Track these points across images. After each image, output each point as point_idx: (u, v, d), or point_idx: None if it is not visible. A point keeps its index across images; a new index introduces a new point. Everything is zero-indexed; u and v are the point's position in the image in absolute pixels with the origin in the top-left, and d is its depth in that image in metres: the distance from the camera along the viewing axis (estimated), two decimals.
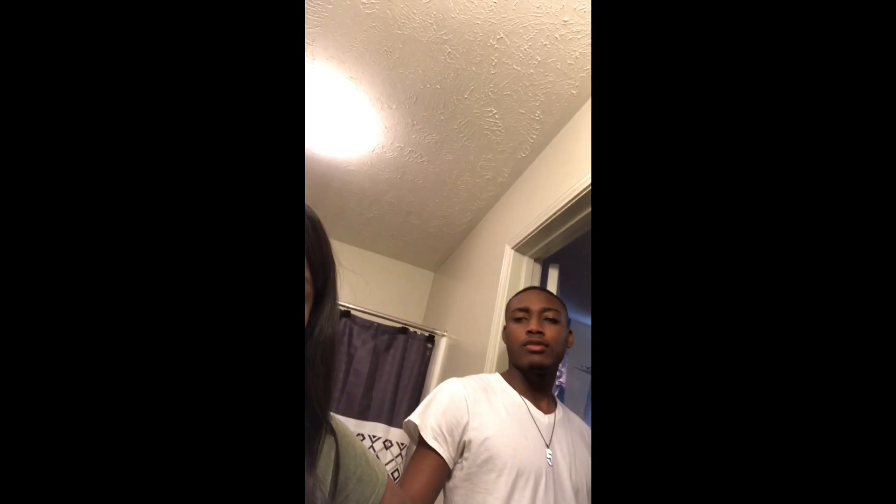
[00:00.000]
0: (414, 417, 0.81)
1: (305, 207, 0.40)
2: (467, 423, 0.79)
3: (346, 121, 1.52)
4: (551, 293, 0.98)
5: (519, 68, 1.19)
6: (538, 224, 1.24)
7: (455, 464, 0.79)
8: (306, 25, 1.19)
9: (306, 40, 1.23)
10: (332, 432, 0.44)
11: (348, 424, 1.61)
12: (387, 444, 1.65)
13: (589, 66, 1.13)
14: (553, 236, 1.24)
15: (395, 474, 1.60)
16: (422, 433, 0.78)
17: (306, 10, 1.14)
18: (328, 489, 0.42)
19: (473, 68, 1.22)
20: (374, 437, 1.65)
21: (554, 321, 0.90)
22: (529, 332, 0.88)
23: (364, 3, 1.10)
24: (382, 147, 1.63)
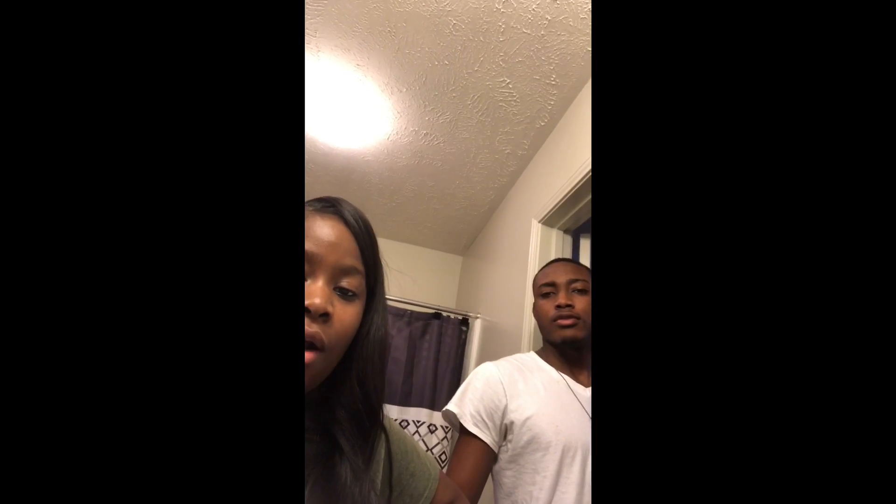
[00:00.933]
0: (452, 406, 0.80)
1: (356, 208, 0.42)
2: (506, 406, 0.78)
3: (357, 110, 1.50)
4: (577, 263, 0.94)
5: (529, 31, 1.12)
6: (564, 194, 1.18)
7: (499, 447, 0.78)
8: (307, 16, 1.16)
9: (309, 32, 1.21)
10: (384, 428, 0.44)
11: (392, 411, 1.64)
12: (431, 428, 1.67)
13: None
14: (581, 204, 1.19)
15: (443, 457, 1.62)
16: (462, 421, 0.77)
17: (306, 0, 1.11)
18: (380, 486, 0.42)
19: (481, 38, 1.16)
20: (418, 422, 1.67)
21: (583, 291, 0.86)
22: (558, 306, 0.85)
23: None
24: (397, 133, 1.60)
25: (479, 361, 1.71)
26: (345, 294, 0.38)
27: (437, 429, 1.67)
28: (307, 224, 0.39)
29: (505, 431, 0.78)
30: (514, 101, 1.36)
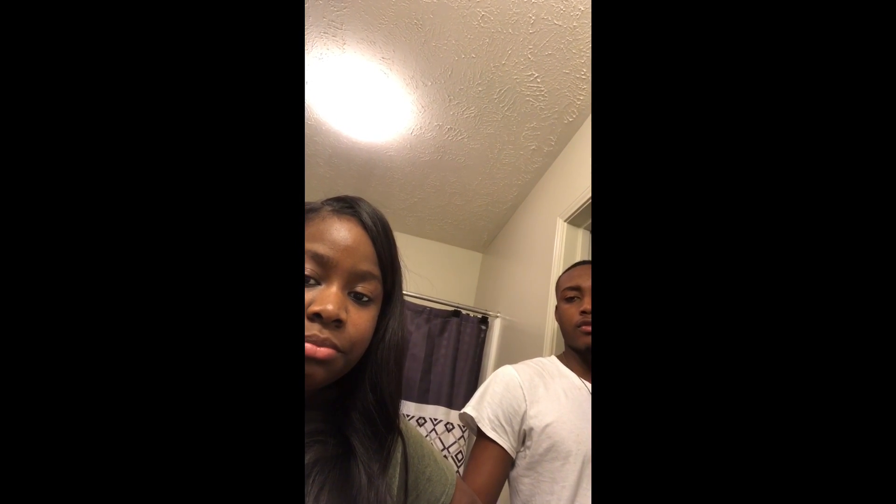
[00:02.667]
0: (469, 409, 0.78)
1: (374, 208, 0.41)
2: (525, 412, 0.76)
3: (382, 104, 1.48)
4: None
5: (560, 23, 1.08)
6: (591, 192, 1.14)
7: (517, 453, 0.76)
8: (333, 7, 1.15)
9: (335, 24, 1.20)
10: (400, 432, 0.44)
11: (409, 408, 1.64)
12: (448, 427, 1.66)
13: None
14: None
15: (459, 456, 1.61)
16: (479, 425, 0.75)
17: None
18: (396, 491, 0.41)
19: (510, 30, 1.12)
20: (435, 420, 1.66)
21: None
22: (583, 312, 0.82)
23: None
24: (420, 127, 1.58)
25: (498, 361, 1.68)
26: (359, 299, 0.38)
27: (454, 427, 1.66)
28: (324, 225, 0.38)
29: (524, 437, 0.75)
30: (542, 95, 1.31)
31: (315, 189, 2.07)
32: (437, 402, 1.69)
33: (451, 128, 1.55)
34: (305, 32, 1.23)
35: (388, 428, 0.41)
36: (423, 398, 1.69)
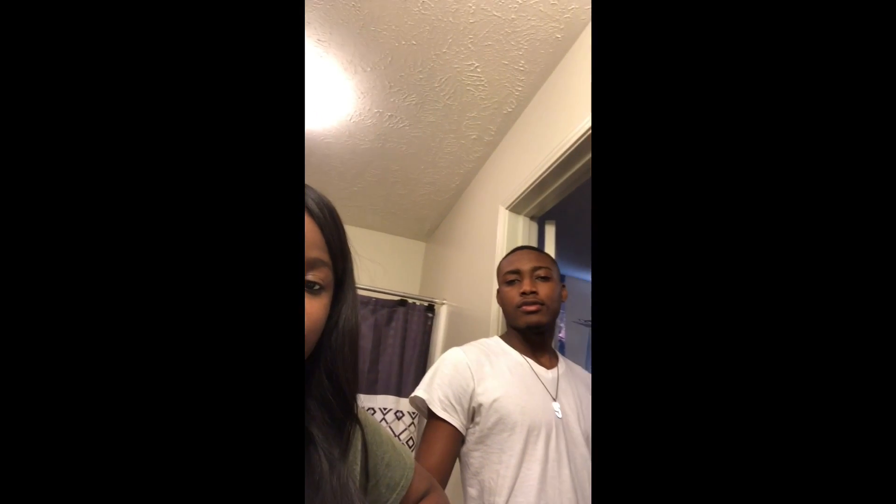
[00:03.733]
0: (420, 392, 0.80)
1: (319, 195, 0.40)
2: (474, 390, 0.79)
3: (318, 89, 1.42)
4: (540, 250, 0.97)
5: (499, 14, 1.10)
6: (532, 181, 1.19)
7: (467, 430, 0.79)
8: None
9: None
10: (357, 420, 0.44)
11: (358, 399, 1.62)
12: (398, 415, 1.67)
13: (573, 6, 1.05)
14: (547, 192, 1.21)
15: (409, 443, 1.63)
16: (430, 406, 0.78)
17: None
18: (358, 476, 0.42)
19: (450, 18, 1.13)
20: (384, 409, 1.67)
21: (546, 279, 0.89)
22: (523, 293, 0.87)
23: None
24: (360, 114, 1.54)
25: (446, 348, 1.72)
26: (310, 288, 0.37)
27: (403, 415, 1.67)
28: None
29: (472, 414, 0.79)
30: (482, 85, 1.34)
31: None
32: (385, 392, 1.69)
33: (391, 115, 1.53)
34: None
35: (345, 414, 0.41)
36: (371, 389, 1.68)
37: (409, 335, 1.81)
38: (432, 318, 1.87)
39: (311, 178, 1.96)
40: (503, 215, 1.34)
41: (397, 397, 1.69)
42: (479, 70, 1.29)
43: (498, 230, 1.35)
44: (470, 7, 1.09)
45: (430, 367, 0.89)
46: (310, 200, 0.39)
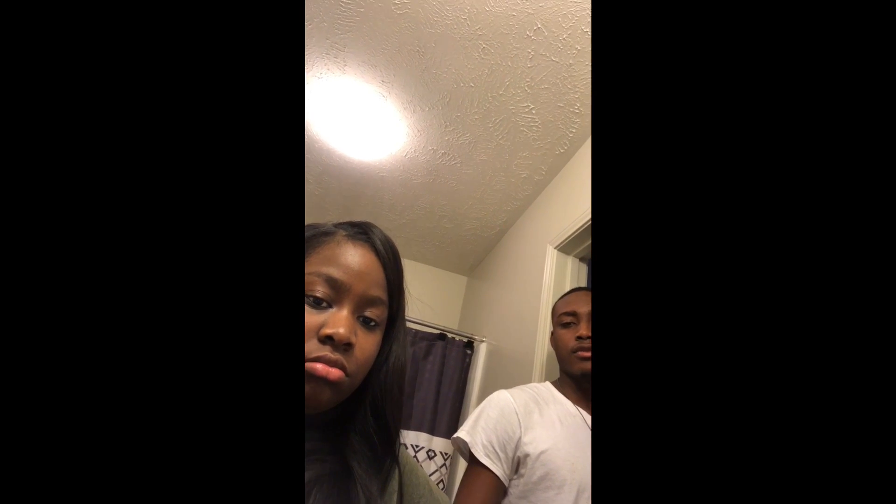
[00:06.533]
0: (463, 434, 0.77)
1: (386, 236, 0.42)
2: (520, 438, 0.75)
3: (378, 126, 1.50)
4: None
5: (557, 59, 1.13)
6: (583, 222, 1.17)
7: (510, 480, 0.74)
8: (338, 31, 1.18)
9: (337, 47, 1.22)
10: (396, 460, 0.43)
11: None
12: (430, 454, 1.61)
13: None
14: None
15: (440, 485, 1.56)
16: (472, 450, 0.74)
17: (338, 15, 1.13)
18: None
19: (509, 63, 1.17)
20: (416, 446, 1.61)
21: None
22: (579, 337, 0.83)
23: (396, 4, 1.08)
24: (415, 150, 1.60)
25: (483, 387, 1.66)
26: (367, 323, 0.38)
27: (435, 455, 1.61)
28: (339, 250, 0.39)
29: (517, 464, 0.74)
30: (536, 126, 1.36)
31: None
32: (418, 429, 1.64)
33: (445, 153, 1.58)
34: (306, 53, 1.25)
35: (386, 451, 0.40)
36: (405, 424, 1.64)
37: (446, 371, 1.76)
38: (471, 355, 1.82)
39: (362, 208, 2.05)
40: (551, 255, 1.32)
41: (430, 435, 1.63)
42: (533, 111, 1.31)
43: (545, 269, 1.32)
44: (529, 52, 1.13)
45: (466, 406, 0.85)
46: (377, 241, 0.41)
